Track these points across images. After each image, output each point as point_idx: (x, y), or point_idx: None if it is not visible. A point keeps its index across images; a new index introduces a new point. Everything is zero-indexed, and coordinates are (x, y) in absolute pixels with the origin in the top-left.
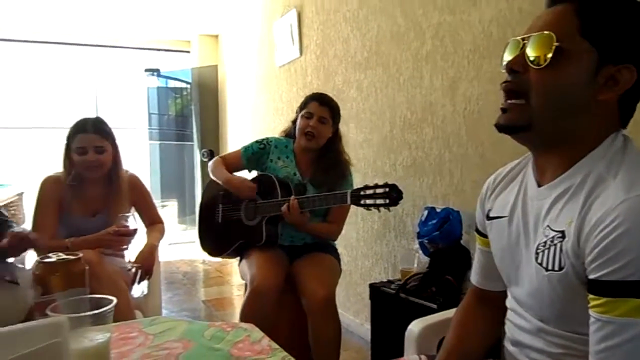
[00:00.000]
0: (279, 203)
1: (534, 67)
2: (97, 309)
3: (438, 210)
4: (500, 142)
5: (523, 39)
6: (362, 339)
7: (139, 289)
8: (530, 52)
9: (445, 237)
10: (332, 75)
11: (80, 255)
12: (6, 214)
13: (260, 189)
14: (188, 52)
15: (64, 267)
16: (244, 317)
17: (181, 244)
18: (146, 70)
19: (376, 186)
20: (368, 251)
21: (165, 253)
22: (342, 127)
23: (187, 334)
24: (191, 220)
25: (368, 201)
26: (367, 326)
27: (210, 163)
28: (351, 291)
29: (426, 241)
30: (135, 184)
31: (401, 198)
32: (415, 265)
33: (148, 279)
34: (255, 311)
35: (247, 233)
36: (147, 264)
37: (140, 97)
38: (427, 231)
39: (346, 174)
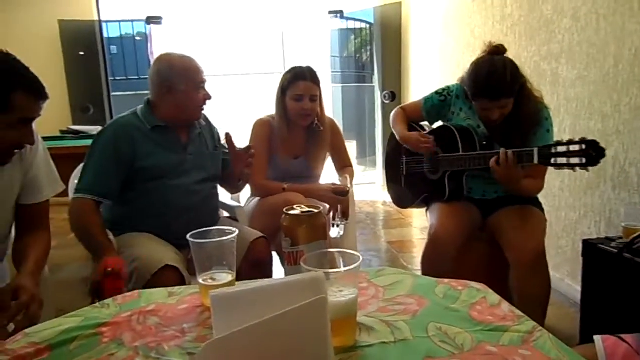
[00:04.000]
0: (463, 158)
1: None
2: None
3: None
4: None
5: None
6: (562, 295)
7: (335, 231)
8: None
9: None
10: (538, 4)
11: (322, 208)
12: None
13: (441, 141)
14: None
15: (308, 220)
16: (423, 265)
17: (362, 184)
18: (330, 12)
19: (570, 142)
20: (575, 202)
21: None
22: (551, 63)
23: (418, 289)
24: (371, 162)
25: (560, 160)
26: (569, 282)
27: (391, 114)
28: (551, 244)
29: None
30: (335, 128)
31: (603, 157)
32: None
33: (345, 222)
34: (433, 260)
35: (430, 187)
36: (344, 207)
37: (324, 41)
38: None
39: (540, 120)
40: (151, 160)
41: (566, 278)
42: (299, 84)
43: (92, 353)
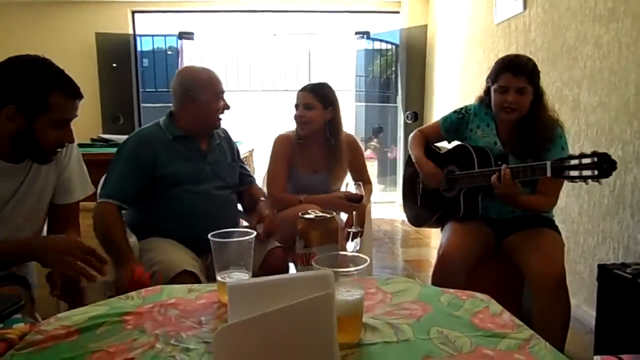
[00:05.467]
0: (476, 175)
1: None
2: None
3: None
4: None
5: None
6: (578, 321)
7: (351, 245)
8: None
9: None
10: (561, 31)
11: (334, 214)
12: (248, 168)
13: (458, 159)
14: (397, 12)
15: (321, 224)
16: (433, 284)
17: (381, 203)
18: (356, 33)
19: (582, 155)
20: (593, 228)
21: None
22: (573, 89)
23: (423, 297)
24: (391, 181)
25: (572, 173)
26: (585, 308)
27: (410, 137)
28: (569, 269)
29: None
30: (352, 144)
31: (614, 169)
32: None
33: (360, 236)
34: (441, 279)
35: (445, 205)
36: (359, 214)
37: (349, 60)
38: None
39: (553, 136)
40: (171, 168)
41: (582, 304)
42: (298, 94)
43: (117, 337)
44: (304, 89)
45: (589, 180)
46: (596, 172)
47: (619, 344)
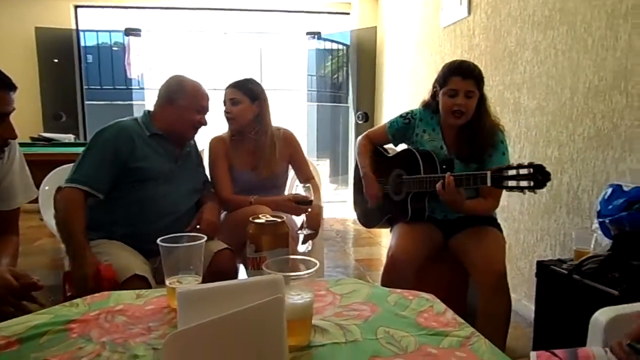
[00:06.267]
0: (422, 180)
1: None
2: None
3: (626, 189)
4: None
5: None
6: (519, 315)
7: (304, 246)
8: None
9: (636, 219)
10: (503, 37)
11: (285, 218)
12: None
13: (404, 163)
14: (348, 14)
15: (272, 228)
16: (383, 285)
17: (333, 202)
18: (307, 33)
19: (519, 166)
20: (533, 226)
21: None
22: (514, 92)
23: (372, 297)
24: (343, 180)
25: (510, 183)
26: (525, 302)
27: (357, 141)
28: (511, 266)
29: (607, 221)
30: (289, 139)
31: (548, 180)
32: (592, 246)
33: (310, 231)
34: (391, 281)
35: (394, 208)
36: (315, 225)
37: (301, 60)
38: (611, 211)
39: (495, 141)
40: (146, 162)
41: (523, 299)
42: (225, 91)
43: (60, 347)
44: (229, 86)
45: (526, 191)
46: (532, 183)
47: (557, 337)
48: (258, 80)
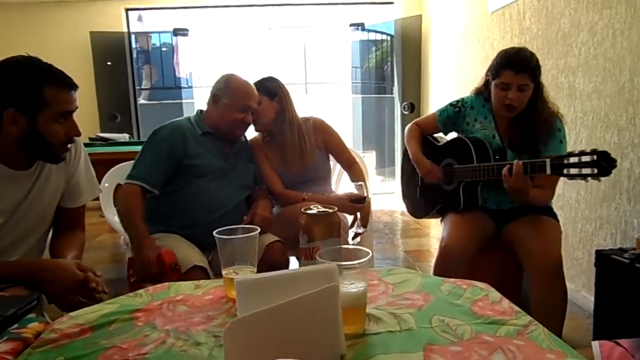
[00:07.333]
0: (476, 169)
1: None
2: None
3: None
4: None
5: None
6: (577, 306)
7: (353, 242)
8: None
9: None
10: (556, 18)
11: (336, 208)
12: None
13: (455, 152)
14: (392, 3)
15: (324, 218)
16: (435, 275)
17: (381, 194)
18: (351, 24)
19: (582, 153)
20: (590, 214)
21: None
22: (568, 76)
23: (425, 286)
24: (390, 172)
25: (572, 170)
26: (584, 293)
27: (406, 129)
28: (567, 255)
29: None
30: (320, 126)
31: (614, 167)
32: None
33: (364, 230)
34: (444, 272)
35: (445, 198)
36: (366, 222)
37: (344, 52)
38: None
39: (552, 129)
40: (198, 160)
41: (581, 290)
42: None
43: (129, 334)
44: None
45: (589, 179)
46: (596, 171)
47: (618, 328)
48: (276, 77)
